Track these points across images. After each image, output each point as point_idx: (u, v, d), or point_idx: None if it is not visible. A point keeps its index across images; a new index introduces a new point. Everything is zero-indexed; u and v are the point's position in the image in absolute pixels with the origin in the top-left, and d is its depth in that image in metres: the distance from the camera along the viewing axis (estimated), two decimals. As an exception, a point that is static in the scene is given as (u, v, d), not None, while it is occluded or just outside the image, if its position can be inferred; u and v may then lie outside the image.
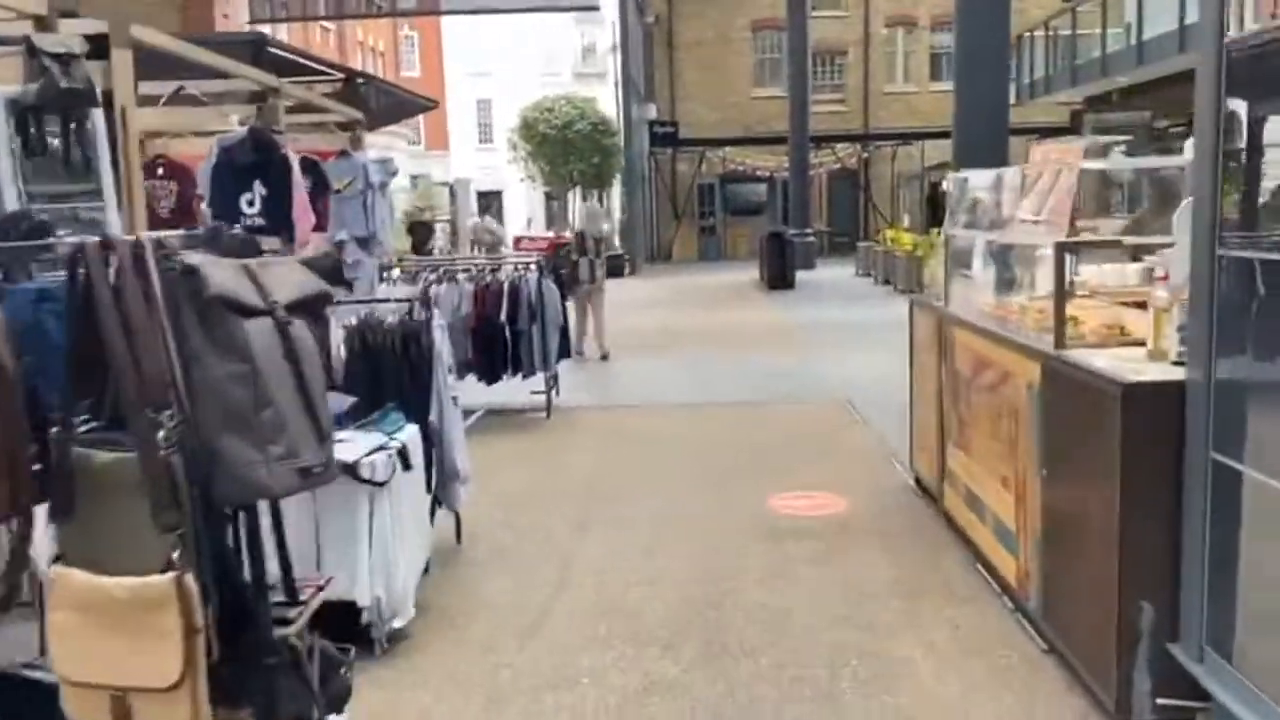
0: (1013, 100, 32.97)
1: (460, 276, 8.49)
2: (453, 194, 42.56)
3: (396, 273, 8.84)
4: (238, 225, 4.81)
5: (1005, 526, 4.20)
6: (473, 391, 8.59)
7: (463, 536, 5.10)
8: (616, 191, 28.46)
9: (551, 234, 26.38)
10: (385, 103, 12.01)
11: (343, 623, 3.34)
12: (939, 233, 19.99)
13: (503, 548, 5.16)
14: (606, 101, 28.20)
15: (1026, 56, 24.71)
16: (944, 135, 31.91)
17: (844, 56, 32.74)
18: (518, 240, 19.36)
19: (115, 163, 3.18)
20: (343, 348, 4.81)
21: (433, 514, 4.65)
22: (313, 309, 2.24)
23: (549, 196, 32.42)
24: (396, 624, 3.92)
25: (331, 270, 7.01)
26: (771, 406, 8.68)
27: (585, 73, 43.95)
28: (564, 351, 9.19)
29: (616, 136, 26.64)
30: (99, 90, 3.11)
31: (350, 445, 3.83)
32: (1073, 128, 30.06)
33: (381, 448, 3.95)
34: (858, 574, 4.64)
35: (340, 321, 4.84)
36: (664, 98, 32.18)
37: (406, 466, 4.01)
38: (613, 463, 6.95)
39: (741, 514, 5.59)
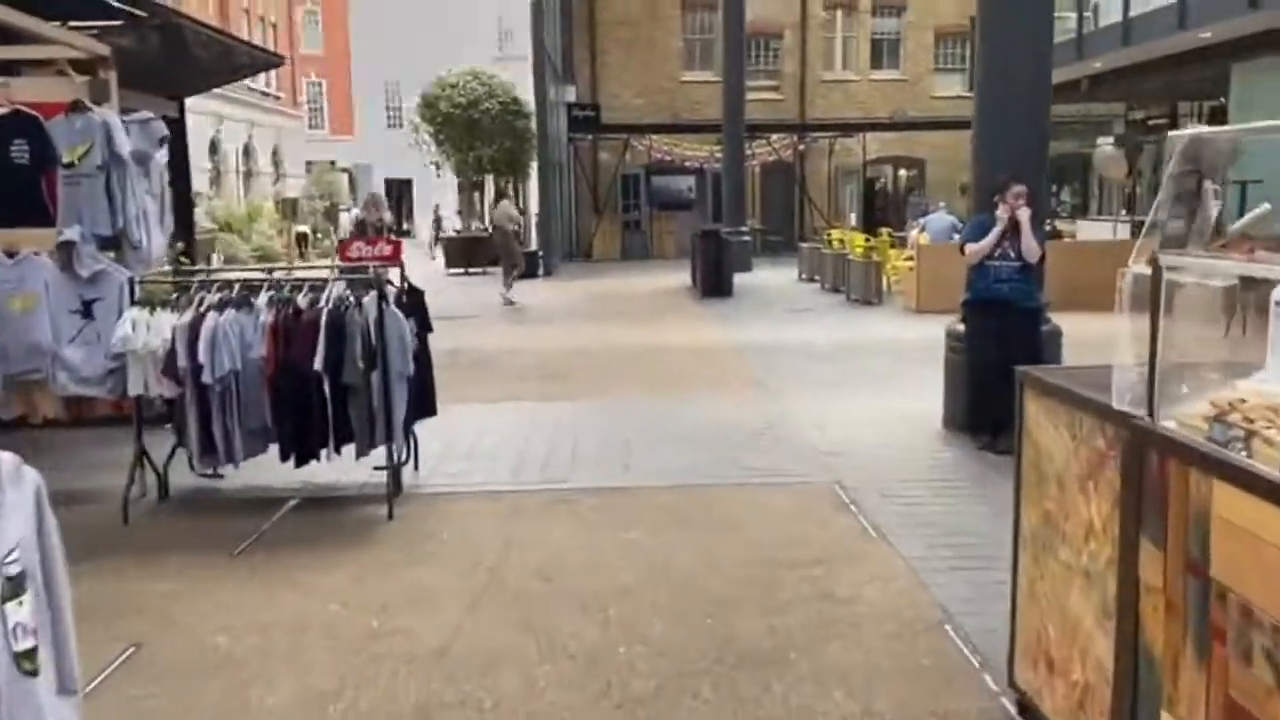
0: (966, 90, 30.98)
1: (259, 301, 5.54)
2: (352, 181, 39.19)
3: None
4: None
5: None
6: (279, 472, 5.67)
7: None
8: (535, 183, 25.50)
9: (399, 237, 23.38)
10: (209, 56, 8.92)
11: None
12: (888, 235, 17.44)
13: None
14: (527, 87, 25.20)
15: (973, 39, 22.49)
16: (886, 127, 29.87)
17: (779, 40, 30.22)
18: (344, 246, 16.62)
19: None
20: None
21: None
22: None
23: (464, 186, 29.17)
24: None
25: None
26: (723, 495, 5.86)
27: (505, 57, 40.69)
28: (423, 409, 6.31)
29: (531, 119, 23.64)
30: None
31: None
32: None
33: None
34: None
35: None
36: (584, 79, 29.25)
37: None
38: (483, 631, 4.10)
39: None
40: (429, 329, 6.40)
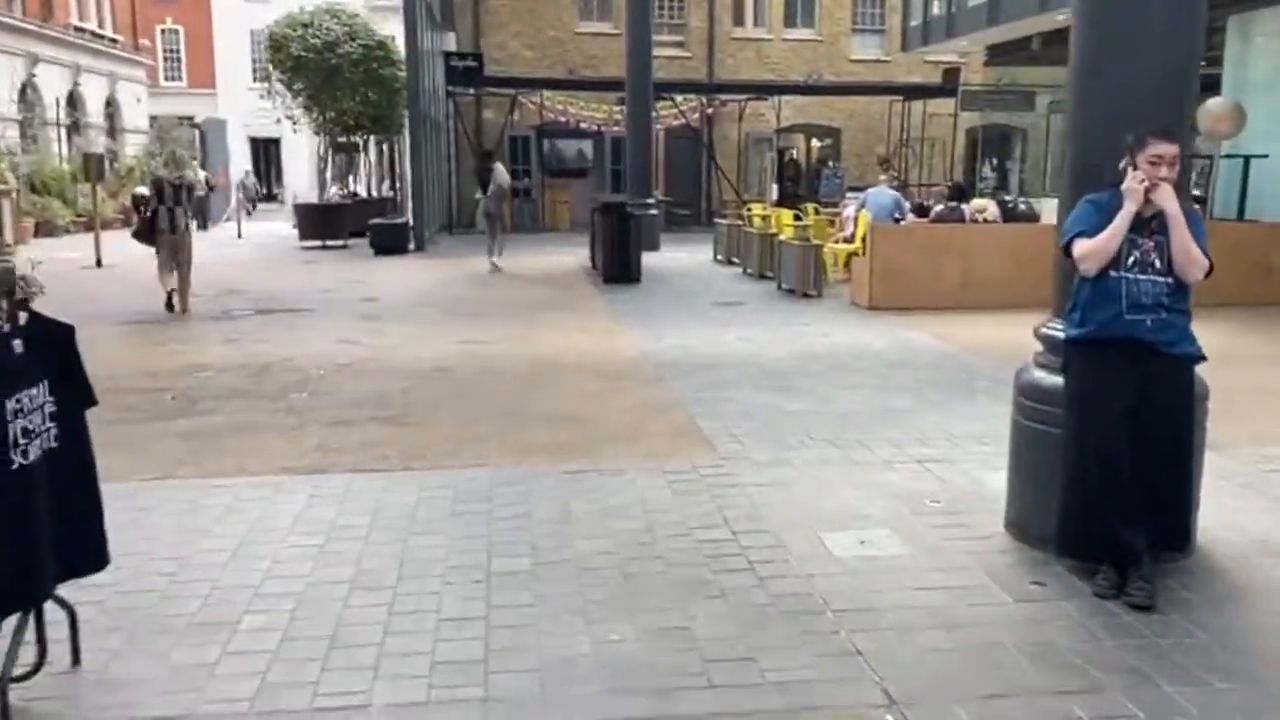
0: (884, 54, 28.52)
1: None
2: (202, 138, 34.58)
3: None
4: None
5: None
6: None
7: None
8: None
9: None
10: None
11: None
12: (816, 211, 14.67)
13: None
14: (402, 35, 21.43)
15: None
16: (802, 91, 27.13)
17: (686, -10, 27.20)
18: (136, 211, 12.97)
19: None
20: None
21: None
22: None
23: (338, 146, 25.30)
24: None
25: None
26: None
27: (382, 4, 36.57)
28: (82, 556, 3.15)
29: (400, 67, 20.13)
30: None
31: None
32: (947, 88, 25.74)
33: None
34: None
35: None
36: (466, 26, 25.71)
37: None
38: None
39: None
40: (88, 402, 3.23)
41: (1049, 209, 17.14)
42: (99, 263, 16.31)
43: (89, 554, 3.16)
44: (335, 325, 10.59)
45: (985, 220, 12.46)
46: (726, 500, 4.98)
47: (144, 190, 23.97)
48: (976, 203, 13.20)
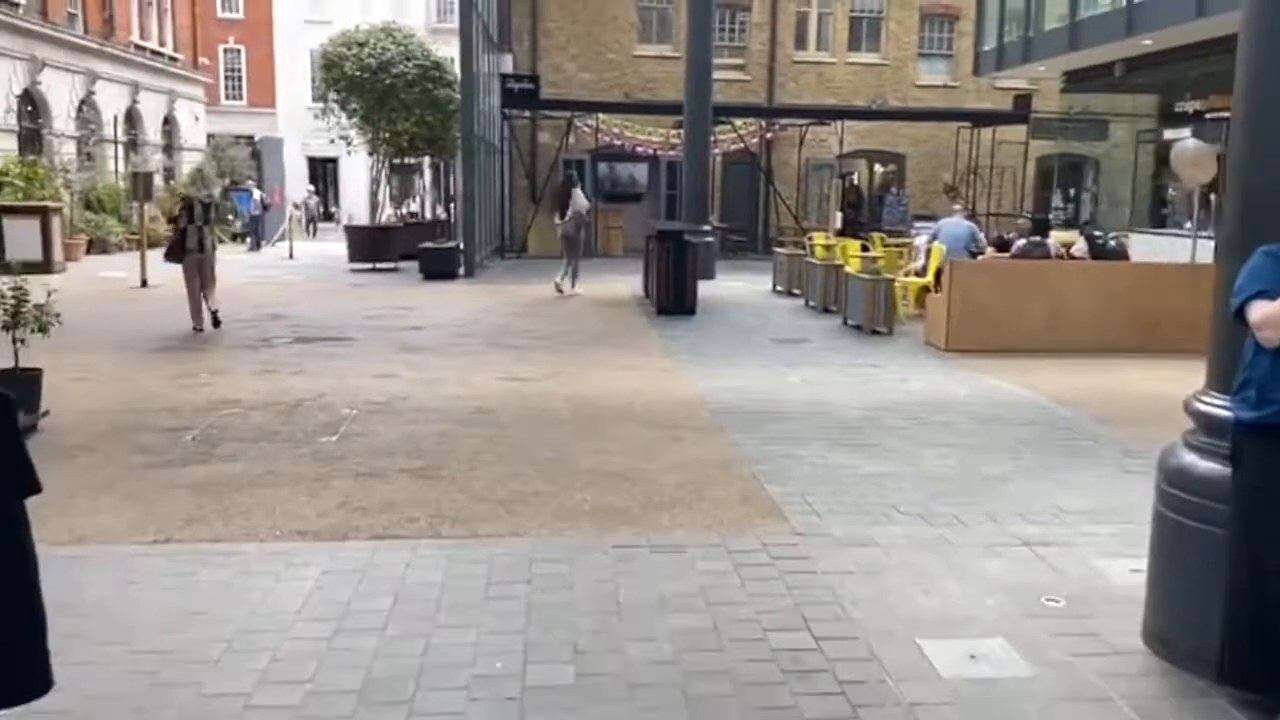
0: (952, 79, 27.63)
1: None
2: (258, 157, 34.65)
3: None
4: None
5: None
6: None
7: None
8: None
9: None
10: None
11: None
12: (883, 241, 13.82)
13: None
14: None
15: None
16: (864, 115, 26.26)
17: (746, 13, 26.59)
18: (174, 225, 12.61)
19: None
20: None
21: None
22: None
23: (396, 167, 25.07)
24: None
25: None
26: None
27: (442, 28, 36.52)
28: (19, 687, 2.51)
29: (454, 88, 19.72)
30: None
31: None
32: (1018, 115, 24.74)
33: None
34: None
35: None
36: (523, 49, 25.34)
37: None
38: None
39: None
40: (28, 489, 2.59)
41: (1137, 245, 16.19)
42: (144, 282, 16.00)
43: (19, 680, 2.52)
44: (375, 356, 10.02)
45: (1072, 256, 11.57)
46: (805, 592, 4.23)
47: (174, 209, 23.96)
48: (1062, 236, 12.34)
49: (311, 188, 40.11)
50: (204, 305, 11.37)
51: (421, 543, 4.79)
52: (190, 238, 11.25)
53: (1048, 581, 4.39)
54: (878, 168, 28.89)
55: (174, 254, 11.49)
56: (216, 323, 11.42)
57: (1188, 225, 15.89)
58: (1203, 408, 3.71)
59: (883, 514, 5.27)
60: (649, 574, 4.42)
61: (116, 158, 26.21)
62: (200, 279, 11.33)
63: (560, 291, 15.60)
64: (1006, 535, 4.97)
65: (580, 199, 16.11)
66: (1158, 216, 18.80)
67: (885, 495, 5.60)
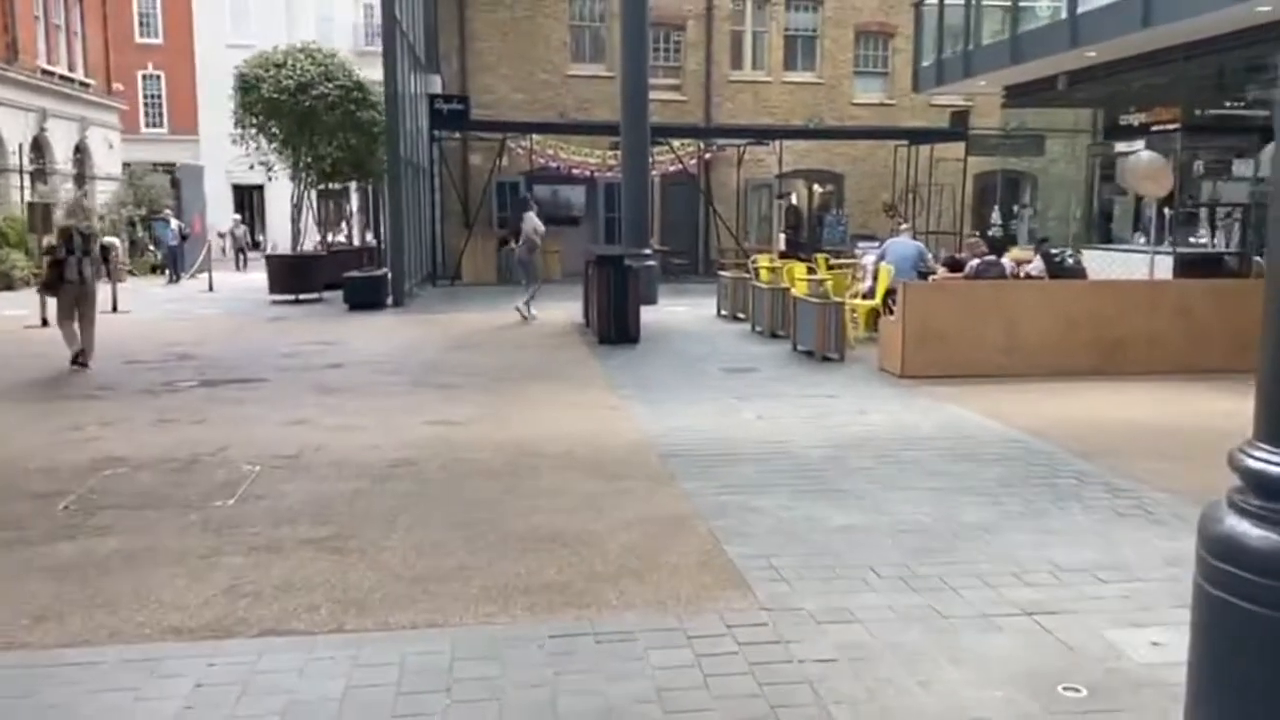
0: (889, 97, 27.43)
1: None
2: (175, 184, 33.25)
3: None
4: None
5: None
6: None
7: None
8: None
9: None
10: None
11: None
12: (828, 263, 13.32)
13: None
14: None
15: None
16: (802, 135, 25.90)
17: (681, 32, 26.16)
18: (52, 262, 11.67)
19: None
20: None
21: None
22: None
23: (322, 193, 24.10)
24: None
25: None
26: None
27: (369, 51, 35.56)
28: None
29: (378, 109, 18.87)
30: None
31: None
32: (955, 132, 24.58)
33: None
34: None
35: None
36: (452, 68, 24.58)
37: None
38: None
39: None
40: None
41: (1088, 260, 15.91)
42: (45, 322, 14.84)
43: None
44: (288, 401, 9.15)
45: (1028, 276, 11.12)
46: (780, 690, 3.53)
47: (112, 240, 22.69)
48: (1017, 253, 11.90)
49: (238, 216, 38.69)
50: (77, 337, 10.82)
51: (320, 639, 4.00)
52: (70, 269, 10.82)
53: (1061, 664, 3.75)
54: (816, 187, 28.60)
55: (51, 287, 11.11)
56: (83, 364, 10.72)
57: (1140, 239, 15.69)
58: (1254, 464, 3.08)
59: (860, 579, 4.60)
60: (593, 672, 3.69)
61: (22, 188, 24.81)
62: (79, 311, 10.81)
63: (524, 318, 15.30)
64: (1003, 602, 4.33)
65: (533, 221, 15.53)
66: (1103, 231, 18.62)
67: (859, 554, 4.93)
